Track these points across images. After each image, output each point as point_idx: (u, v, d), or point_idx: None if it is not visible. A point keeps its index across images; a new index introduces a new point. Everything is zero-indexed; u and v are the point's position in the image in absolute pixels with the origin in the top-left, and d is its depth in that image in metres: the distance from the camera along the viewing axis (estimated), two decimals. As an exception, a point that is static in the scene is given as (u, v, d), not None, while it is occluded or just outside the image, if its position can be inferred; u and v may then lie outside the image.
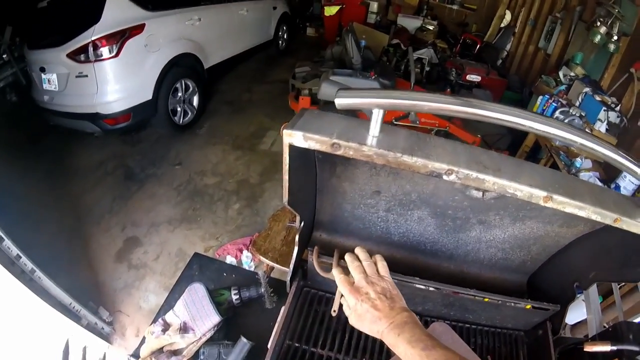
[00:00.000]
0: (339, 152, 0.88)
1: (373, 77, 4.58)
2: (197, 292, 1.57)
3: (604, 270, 1.40)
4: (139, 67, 4.27)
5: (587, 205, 0.92)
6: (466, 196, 1.33)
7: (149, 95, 4.40)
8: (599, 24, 4.19)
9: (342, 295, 0.91)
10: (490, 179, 0.88)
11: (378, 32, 7.76)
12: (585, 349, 1.31)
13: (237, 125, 5.44)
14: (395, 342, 0.81)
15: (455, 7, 9.50)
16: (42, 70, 4.22)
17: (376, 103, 0.89)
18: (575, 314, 1.66)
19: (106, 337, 2.68)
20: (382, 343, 1.51)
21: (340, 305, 0.95)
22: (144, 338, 1.50)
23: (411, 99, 0.88)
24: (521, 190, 0.89)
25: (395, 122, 4.30)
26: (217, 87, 6.31)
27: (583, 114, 4.12)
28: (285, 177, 1.00)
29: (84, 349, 2.46)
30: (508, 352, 1.63)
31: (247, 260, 3.15)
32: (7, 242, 2.06)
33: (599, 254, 1.42)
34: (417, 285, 1.48)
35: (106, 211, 3.80)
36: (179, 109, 4.95)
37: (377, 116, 0.89)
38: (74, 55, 3.97)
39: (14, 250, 2.09)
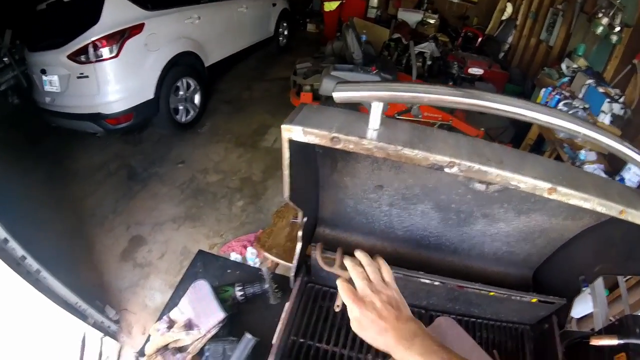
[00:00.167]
0: (339, 146, 0.87)
1: (374, 71, 4.56)
2: (201, 289, 1.57)
3: (610, 263, 1.39)
4: (140, 67, 4.27)
5: (592, 197, 0.91)
6: (469, 189, 1.32)
7: (150, 95, 4.40)
8: (600, 15, 4.16)
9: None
10: (492, 171, 0.87)
11: (378, 26, 7.73)
12: (591, 343, 1.30)
13: (238, 123, 5.44)
14: (405, 356, 0.75)
15: (455, 0, 9.44)
16: (43, 72, 4.23)
17: (375, 96, 0.88)
18: (582, 307, 1.65)
19: (113, 335, 2.69)
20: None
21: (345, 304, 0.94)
22: (149, 336, 1.50)
23: (410, 90, 0.87)
24: (525, 182, 0.88)
25: (397, 117, 4.28)
26: (218, 85, 6.31)
27: (587, 106, 4.09)
28: (285, 172, 0.99)
29: (101, 339, 2.50)
30: (514, 346, 1.62)
31: (252, 257, 3.16)
32: (12, 243, 2.07)
33: (604, 247, 1.40)
34: (422, 280, 1.47)
35: (110, 211, 3.81)
36: (180, 107, 4.96)
37: (376, 109, 0.88)
38: (74, 57, 3.99)
39: (19, 251, 2.10)
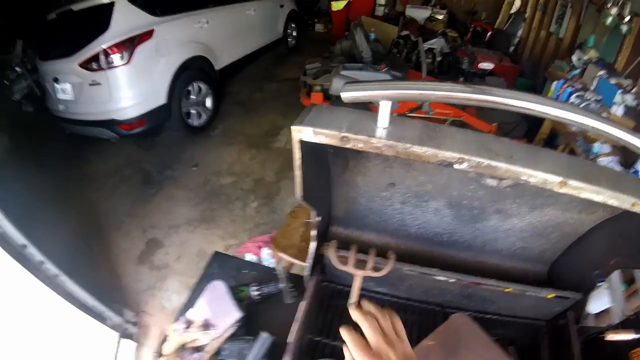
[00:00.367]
0: (349, 145, 0.88)
1: (384, 69, 4.56)
2: (218, 290, 1.59)
3: (625, 256, 1.38)
4: (151, 72, 4.33)
5: (604, 190, 0.90)
6: (481, 185, 1.32)
7: (162, 100, 4.46)
8: (609, 5, 4.11)
9: (359, 287, 0.90)
10: (502, 166, 0.87)
11: (387, 24, 7.71)
12: (607, 338, 1.29)
13: (250, 125, 5.48)
14: None
15: (463, -5, 9.38)
16: (56, 80, 4.31)
17: (383, 95, 0.89)
18: (599, 302, 1.63)
19: (131, 337, 2.74)
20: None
21: (359, 297, 0.94)
22: (166, 336, 1.53)
23: (418, 88, 0.88)
24: (535, 177, 0.88)
25: (408, 114, 4.28)
26: (229, 88, 6.36)
27: (599, 98, 4.04)
28: (297, 172, 1.00)
29: (119, 341, 2.55)
30: (529, 342, 1.61)
31: (268, 257, 3.18)
32: (31, 249, 2.11)
33: (619, 241, 1.39)
34: (436, 277, 1.47)
35: (126, 215, 3.87)
36: (193, 111, 5.01)
37: (384, 108, 0.89)
38: (85, 64, 4.06)
39: (38, 256, 2.14)
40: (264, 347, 1.43)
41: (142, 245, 3.54)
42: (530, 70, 6.46)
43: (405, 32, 7.15)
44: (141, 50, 4.18)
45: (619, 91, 3.84)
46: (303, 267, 1.64)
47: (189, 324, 1.53)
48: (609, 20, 4.11)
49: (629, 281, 2.09)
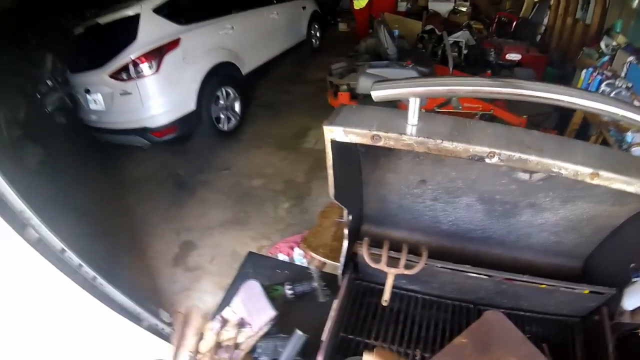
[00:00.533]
0: (380, 144, 0.90)
1: (410, 65, 4.52)
2: (252, 289, 1.63)
3: (662, 249, 1.34)
4: (180, 80, 4.42)
5: (636, 180, 0.89)
6: (513, 179, 1.31)
7: (192, 106, 4.54)
8: (635, -14, 3.95)
9: (392, 285, 0.91)
10: (533, 159, 0.87)
11: (410, 19, 7.66)
12: (640, 334, 1.26)
13: (278, 127, 5.52)
14: None
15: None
16: (87, 91, 4.44)
17: (412, 92, 0.90)
18: (635, 298, 1.58)
19: (166, 338, 2.80)
20: (435, 333, 1.52)
21: (392, 295, 0.95)
22: (202, 334, 1.57)
23: (447, 84, 0.89)
24: (566, 169, 0.88)
25: (437, 110, 4.23)
26: (257, 91, 6.42)
27: (629, 85, 3.86)
28: (330, 172, 1.02)
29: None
30: (563, 339, 1.58)
31: (299, 257, 3.20)
32: (69, 253, 2.19)
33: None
34: (469, 274, 1.47)
35: (160, 219, 3.96)
36: (222, 116, 5.08)
37: (414, 105, 0.90)
38: (115, 75, 4.17)
39: (75, 260, 2.22)
40: (298, 344, 1.45)
41: (177, 248, 3.61)
42: (558, 59, 6.27)
43: (429, 27, 7.07)
44: (169, 58, 4.28)
45: (650, 77, 3.69)
46: (335, 266, 1.66)
47: (224, 322, 1.57)
48: (635, 3, 3.96)
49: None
